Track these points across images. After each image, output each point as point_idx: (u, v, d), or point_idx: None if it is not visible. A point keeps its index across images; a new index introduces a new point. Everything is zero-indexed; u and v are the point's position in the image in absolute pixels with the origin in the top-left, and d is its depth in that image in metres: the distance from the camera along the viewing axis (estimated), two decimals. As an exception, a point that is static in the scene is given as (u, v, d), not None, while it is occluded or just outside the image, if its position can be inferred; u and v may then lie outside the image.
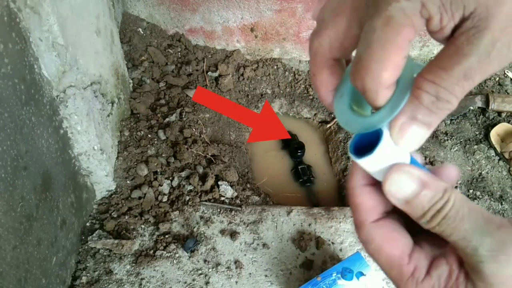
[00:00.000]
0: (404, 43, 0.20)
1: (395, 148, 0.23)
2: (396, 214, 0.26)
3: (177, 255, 0.89)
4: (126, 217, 0.94)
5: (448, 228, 0.22)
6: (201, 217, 0.97)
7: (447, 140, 1.26)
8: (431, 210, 0.22)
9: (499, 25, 0.19)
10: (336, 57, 0.25)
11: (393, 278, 0.25)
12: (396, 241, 0.25)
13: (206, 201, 1.00)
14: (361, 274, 0.79)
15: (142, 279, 0.86)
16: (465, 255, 0.22)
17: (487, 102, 1.33)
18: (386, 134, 0.23)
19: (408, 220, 0.25)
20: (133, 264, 0.87)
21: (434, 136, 1.28)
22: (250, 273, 0.89)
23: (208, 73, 1.35)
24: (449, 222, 0.22)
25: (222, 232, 0.95)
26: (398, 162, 0.24)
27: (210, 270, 0.88)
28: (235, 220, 0.97)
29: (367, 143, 0.25)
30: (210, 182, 1.03)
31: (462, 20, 0.20)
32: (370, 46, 0.20)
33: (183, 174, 1.05)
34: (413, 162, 0.25)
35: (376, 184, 0.26)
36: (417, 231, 0.26)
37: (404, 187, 0.23)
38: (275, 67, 1.44)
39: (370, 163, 0.24)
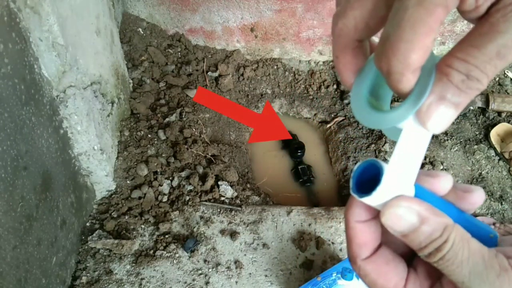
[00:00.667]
0: (436, 24, 0.19)
1: (399, 180, 0.23)
2: (392, 239, 0.26)
3: (177, 255, 0.89)
4: (126, 217, 0.94)
5: (446, 270, 0.22)
6: (201, 217, 0.97)
7: (447, 140, 1.26)
8: (429, 247, 0.22)
9: None
10: (361, 38, 0.24)
11: None
12: (389, 275, 0.25)
13: (206, 201, 1.00)
14: (361, 274, 0.79)
15: (142, 279, 0.86)
16: None
17: (487, 102, 1.33)
18: (387, 169, 0.22)
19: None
20: (133, 264, 0.87)
21: (434, 136, 1.28)
22: (250, 273, 0.89)
23: (208, 73, 1.35)
24: (447, 264, 0.21)
25: (222, 232, 0.95)
26: (401, 194, 0.23)
27: (210, 270, 0.88)
28: (235, 220, 0.97)
29: (369, 176, 0.24)
30: (210, 182, 1.03)
31: None
32: (400, 26, 0.20)
33: (183, 174, 1.05)
34: (418, 192, 0.24)
35: (373, 219, 0.25)
36: (416, 254, 0.26)
37: (401, 222, 0.22)
38: (275, 67, 1.44)
39: (372, 201, 0.23)
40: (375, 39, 0.24)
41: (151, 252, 0.90)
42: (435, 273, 0.25)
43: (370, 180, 0.24)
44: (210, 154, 1.11)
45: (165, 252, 0.89)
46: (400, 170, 0.23)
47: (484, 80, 0.20)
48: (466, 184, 0.25)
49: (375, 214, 0.25)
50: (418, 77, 0.21)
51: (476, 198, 0.25)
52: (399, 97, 0.23)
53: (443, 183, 0.25)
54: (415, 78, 0.21)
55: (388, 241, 0.27)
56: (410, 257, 0.26)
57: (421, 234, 0.22)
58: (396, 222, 0.22)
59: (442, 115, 0.21)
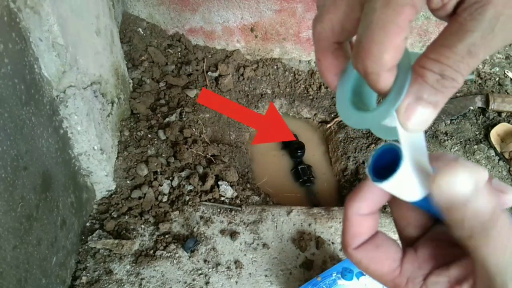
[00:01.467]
0: (404, 23, 0.20)
1: (417, 161, 0.22)
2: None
3: (177, 255, 0.89)
4: (126, 217, 0.94)
5: (482, 252, 0.21)
6: (201, 217, 0.97)
7: (447, 140, 1.26)
8: (470, 220, 0.20)
9: None
10: (339, 40, 0.24)
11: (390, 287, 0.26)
12: (380, 261, 0.25)
13: (206, 201, 1.00)
14: (361, 274, 0.79)
15: (142, 279, 0.86)
16: (490, 282, 0.21)
17: (487, 102, 1.33)
18: (405, 151, 0.22)
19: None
20: (133, 264, 0.87)
21: (434, 136, 1.28)
22: (250, 273, 0.89)
23: (208, 73, 1.35)
24: (491, 244, 0.20)
25: (222, 232, 0.95)
26: (421, 175, 0.22)
27: (210, 270, 0.88)
28: (235, 220, 0.97)
29: (385, 163, 0.24)
30: (210, 182, 1.03)
31: None
32: (370, 28, 0.20)
33: (183, 174, 1.05)
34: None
35: (371, 215, 0.26)
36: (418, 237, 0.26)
37: (461, 187, 0.20)
38: (275, 67, 1.44)
39: (392, 184, 0.23)
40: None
41: (151, 252, 0.90)
42: (441, 257, 0.24)
43: (385, 168, 0.23)
44: (210, 154, 1.11)
45: (165, 252, 0.89)
46: (414, 152, 0.23)
47: (459, 79, 0.20)
48: (503, 183, 0.25)
49: (375, 210, 0.26)
50: (395, 75, 0.22)
51: (509, 198, 0.24)
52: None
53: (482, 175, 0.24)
54: (392, 76, 0.21)
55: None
56: (413, 239, 0.26)
57: (475, 206, 0.20)
58: (453, 188, 0.20)
59: (421, 115, 0.22)
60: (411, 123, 0.22)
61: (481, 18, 0.19)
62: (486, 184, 0.21)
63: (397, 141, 0.23)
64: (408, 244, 0.27)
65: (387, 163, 0.24)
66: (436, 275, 0.24)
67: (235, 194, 1.04)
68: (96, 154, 0.89)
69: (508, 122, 1.30)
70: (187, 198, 1.00)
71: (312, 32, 0.25)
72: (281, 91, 1.42)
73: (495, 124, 1.28)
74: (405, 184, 0.23)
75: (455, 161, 0.22)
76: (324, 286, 0.78)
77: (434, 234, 0.26)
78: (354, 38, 0.23)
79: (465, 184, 0.20)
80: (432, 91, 0.21)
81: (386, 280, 0.25)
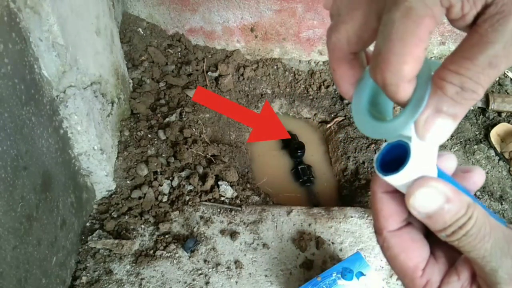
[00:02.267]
0: (424, 34, 0.19)
1: (424, 161, 0.23)
2: (417, 221, 0.26)
3: (177, 255, 0.89)
4: (126, 217, 0.94)
5: (468, 246, 0.22)
6: (201, 217, 0.97)
7: (447, 140, 1.26)
8: (453, 226, 0.22)
9: None
10: (355, 51, 0.24)
11: (405, 285, 0.25)
12: (412, 253, 0.25)
13: (206, 201, 1.00)
14: (361, 274, 0.79)
15: (142, 279, 0.86)
16: (483, 273, 0.22)
17: (487, 102, 1.33)
18: (413, 147, 0.22)
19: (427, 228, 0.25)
20: (133, 264, 0.87)
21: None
22: (250, 273, 0.89)
23: (208, 73, 1.35)
24: (470, 240, 0.22)
25: (222, 232, 0.95)
26: (425, 175, 0.23)
27: (210, 270, 0.88)
28: (235, 220, 0.97)
29: (393, 156, 0.24)
30: (210, 182, 1.03)
31: (485, 6, 0.19)
32: (390, 39, 0.20)
33: (183, 174, 1.05)
34: (440, 173, 0.24)
35: (394, 192, 0.25)
36: (434, 240, 0.25)
37: (428, 203, 0.22)
38: (275, 67, 1.44)
39: (396, 180, 0.23)
40: (371, 48, 0.24)
41: (151, 252, 0.90)
42: (450, 259, 0.25)
43: (392, 161, 0.24)
44: (210, 154, 1.11)
45: (165, 252, 0.89)
46: (424, 151, 0.23)
47: (479, 91, 0.20)
48: (465, 165, 0.26)
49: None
50: (415, 86, 0.22)
51: (477, 176, 0.26)
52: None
53: (448, 162, 0.25)
54: (411, 87, 0.21)
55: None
56: (430, 242, 0.26)
57: (446, 213, 0.22)
58: (424, 203, 0.22)
59: (440, 128, 0.22)
60: (429, 135, 0.22)
61: (502, 30, 0.19)
62: (452, 188, 0.22)
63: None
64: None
65: (395, 158, 0.24)
66: (448, 283, 0.24)
67: (235, 194, 1.04)
68: (96, 154, 0.89)
69: (508, 122, 1.30)
70: (187, 198, 1.00)
71: (326, 42, 0.25)
72: (281, 91, 1.42)
73: (495, 124, 1.28)
74: (409, 178, 0.23)
75: (425, 180, 0.23)
76: (324, 286, 0.78)
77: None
78: (371, 46, 0.23)
79: (434, 200, 0.22)
80: (451, 103, 0.21)
81: (406, 275, 0.25)
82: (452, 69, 0.20)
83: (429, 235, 0.26)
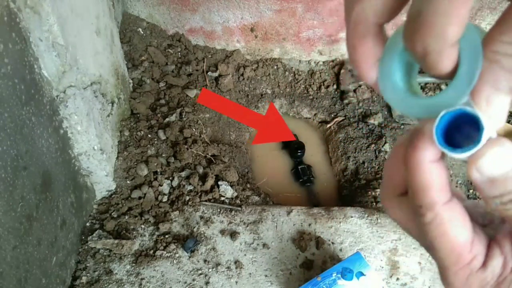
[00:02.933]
0: None
1: (490, 130, 0.21)
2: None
3: (177, 255, 0.89)
4: (126, 217, 0.94)
5: None
6: (201, 217, 0.97)
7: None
8: (511, 194, 0.20)
9: None
10: (382, 21, 0.22)
11: (446, 263, 0.23)
12: (463, 227, 0.22)
13: (206, 201, 1.00)
14: (361, 274, 0.79)
15: (142, 279, 0.86)
16: None
17: (487, 102, 1.33)
18: (480, 113, 0.20)
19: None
20: (133, 264, 0.87)
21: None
22: (250, 273, 0.89)
23: (208, 73, 1.35)
24: None
25: (222, 232, 0.95)
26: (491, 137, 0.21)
27: (210, 270, 0.88)
28: (235, 220, 0.97)
29: (445, 127, 0.22)
30: (210, 182, 1.03)
31: None
32: None
33: (183, 174, 1.05)
34: None
35: (443, 159, 0.23)
36: (471, 215, 0.24)
37: (498, 164, 0.20)
38: (275, 67, 1.44)
39: (471, 153, 0.21)
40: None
41: (151, 252, 0.90)
42: (489, 232, 0.23)
43: (447, 131, 0.21)
44: (210, 154, 1.11)
45: (165, 252, 0.89)
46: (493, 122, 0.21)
47: None
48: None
49: (440, 157, 0.23)
50: (458, 52, 0.20)
51: None
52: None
53: None
54: (456, 54, 0.19)
55: None
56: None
57: (511, 180, 0.20)
58: (493, 164, 0.20)
59: (501, 105, 0.20)
60: (495, 117, 0.20)
61: None
62: None
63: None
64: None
65: (448, 126, 0.22)
66: (491, 257, 0.22)
67: (235, 194, 1.04)
68: (96, 154, 0.89)
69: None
70: (187, 198, 1.00)
71: (346, 15, 0.22)
72: (281, 91, 1.42)
73: (495, 124, 1.28)
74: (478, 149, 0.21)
75: (498, 140, 0.21)
76: (324, 286, 0.78)
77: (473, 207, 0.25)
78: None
79: (505, 162, 0.20)
80: (509, 76, 0.19)
81: (454, 251, 0.23)
82: (506, 41, 0.19)
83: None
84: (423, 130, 0.22)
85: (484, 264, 0.22)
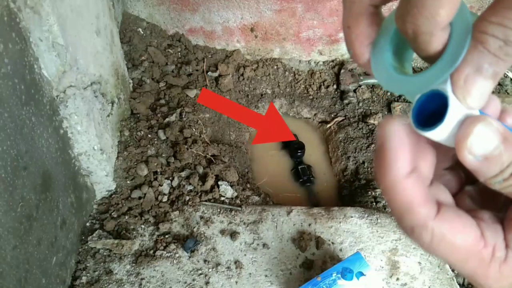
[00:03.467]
0: None
1: (464, 107, 0.20)
2: (443, 194, 0.23)
3: (177, 255, 0.90)
4: (126, 217, 0.94)
5: None
6: (201, 217, 0.97)
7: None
8: (510, 167, 0.19)
9: None
10: (377, 3, 0.22)
11: (470, 270, 0.21)
12: (465, 229, 0.21)
13: (206, 201, 1.00)
14: (361, 274, 0.79)
15: (142, 279, 0.86)
16: None
17: (487, 102, 1.33)
18: (450, 92, 0.20)
19: (474, 191, 0.22)
20: (133, 264, 0.87)
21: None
22: (250, 273, 0.89)
23: (208, 73, 1.35)
24: None
25: (222, 232, 0.95)
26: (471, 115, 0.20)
27: (210, 270, 0.88)
28: (235, 220, 0.97)
29: (427, 110, 0.22)
30: (210, 182, 1.03)
31: None
32: None
33: (183, 174, 1.05)
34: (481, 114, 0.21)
35: (415, 169, 0.22)
36: (479, 202, 0.23)
37: (486, 141, 0.19)
38: (275, 67, 1.44)
39: (441, 132, 0.21)
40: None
41: (151, 252, 0.90)
42: (497, 213, 0.22)
43: (429, 115, 0.21)
44: (210, 154, 1.11)
45: (165, 252, 0.89)
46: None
47: None
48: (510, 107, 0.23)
49: (413, 161, 0.21)
50: (448, 34, 0.19)
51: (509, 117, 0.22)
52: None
53: (494, 106, 0.22)
54: (446, 36, 0.19)
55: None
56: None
57: (504, 152, 0.19)
58: (482, 142, 0.19)
59: (481, 87, 0.19)
60: (471, 98, 0.20)
61: None
62: (504, 128, 0.20)
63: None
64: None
65: (430, 109, 0.21)
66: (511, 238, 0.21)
67: (235, 194, 1.04)
68: (96, 154, 0.89)
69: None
70: (187, 198, 1.00)
71: None
72: (281, 91, 1.42)
73: (495, 124, 1.28)
74: (453, 127, 0.21)
75: (479, 117, 0.20)
76: (324, 286, 0.78)
77: (473, 191, 0.24)
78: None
79: (492, 138, 0.19)
80: (493, 60, 0.19)
81: (470, 255, 0.21)
82: (495, 21, 0.18)
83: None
84: (384, 146, 0.21)
85: (508, 246, 0.21)
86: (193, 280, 0.87)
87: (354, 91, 1.39)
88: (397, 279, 0.88)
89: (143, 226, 0.94)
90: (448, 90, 0.20)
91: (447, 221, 0.21)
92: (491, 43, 0.18)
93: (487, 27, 0.18)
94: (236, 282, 0.87)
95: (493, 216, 0.22)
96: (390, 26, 0.23)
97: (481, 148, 0.19)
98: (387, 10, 0.23)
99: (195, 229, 0.95)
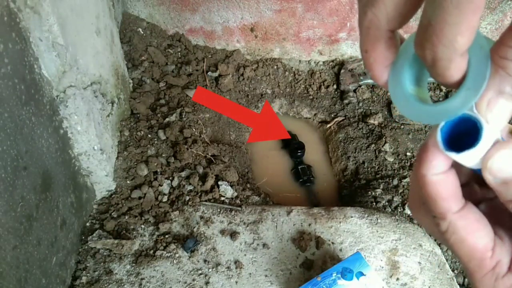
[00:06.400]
0: (481, 1, 0.18)
1: (492, 132, 0.21)
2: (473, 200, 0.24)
3: (177, 255, 0.90)
4: (126, 217, 0.94)
5: None
6: (201, 217, 0.97)
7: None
8: None
9: None
10: (393, 28, 0.22)
11: (470, 269, 0.24)
12: (480, 233, 0.23)
13: (206, 201, 1.00)
14: (361, 274, 0.79)
15: (142, 279, 0.86)
16: None
17: (487, 102, 1.33)
18: (484, 120, 0.21)
19: (488, 207, 0.24)
20: (133, 264, 0.87)
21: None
22: (250, 273, 0.89)
23: (208, 73, 1.35)
24: None
25: (222, 232, 0.95)
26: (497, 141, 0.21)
27: (210, 270, 0.88)
28: (235, 220, 0.97)
29: (452, 133, 0.22)
30: (210, 182, 1.03)
31: None
32: (443, 7, 0.18)
33: (183, 174, 1.05)
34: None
35: (451, 169, 0.23)
36: (493, 221, 0.24)
37: (507, 165, 0.21)
38: (275, 67, 1.44)
39: (470, 156, 0.21)
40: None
41: (151, 252, 0.90)
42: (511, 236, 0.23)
43: (455, 137, 0.22)
44: (210, 154, 1.11)
45: (165, 252, 0.89)
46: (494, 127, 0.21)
47: None
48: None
49: (450, 164, 0.23)
50: (467, 61, 0.20)
51: None
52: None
53: None
54: (465, 63, 0.20)
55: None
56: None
57: None
58: (502, 166, 0.21)
59: (503, 109, 0.20)
60: (493, 118, 0.20)
61: None
62: None
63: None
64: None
65: (457, 132, 0.22)
66: None
67: (235, 194, 1.04)
68: (96, 154, 0.89)
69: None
70: (187, 198, 1.00)
71: (359, 20, 0.23)
72: (281, 91, 1.42)
73: (495, 124, 1.28)
74: (481, 153, 0.21)
75: (504, 143, 0.21)
76: (324, 286, 0.78)
77: (493, 208, 0.25)
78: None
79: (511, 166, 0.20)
80: None
81: (474, 257, 0.23)
82: None
83: (490, 215, 0.24)
84: (427, 144, 0.23)
85: (510, 269, 0.22)
86: (193, 280, 0.87)
87: (354, 91, 1.39)
88: (397, 279, 0.88)
89: (143, 226, 0.94)
90: (477, 114, 0.21)
91: (465, 219, 0.23)
92: (511, 67, 0.19)
93: (507, 52, 0.19)
94: (236, 282, 0.87)
95: (509, 234, 0.24)
96: (409, 49, 0.23)
97: (500, 172, 0.21)
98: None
99: (195, 229, 0.95)
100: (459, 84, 0.21)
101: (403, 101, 0.23)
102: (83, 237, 0.90)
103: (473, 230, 0.23)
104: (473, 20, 0.18)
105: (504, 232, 0.24)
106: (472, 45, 0.19)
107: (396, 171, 1.15)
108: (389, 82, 0.24)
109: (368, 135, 1.26)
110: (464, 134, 0.22)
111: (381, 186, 1.10)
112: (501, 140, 0.21)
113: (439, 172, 0.23)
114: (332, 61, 1.47)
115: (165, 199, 1.00)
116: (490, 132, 0.21)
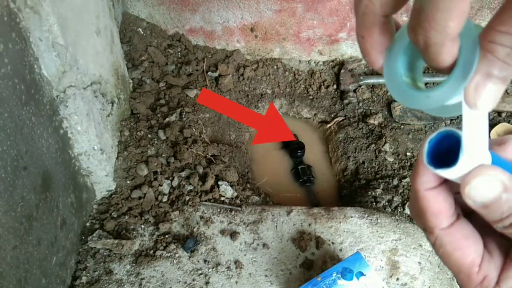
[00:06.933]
0: None
1: (478, 149, 0.21)
2: (466, 213, 0.25)
3: (177, 255, 0.90)
4: (126, 217, 0.94)
5: None
6: (201, 217, 0.97)
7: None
8: (511, 216, 0.21)
9: None
10: (388, 13, 0.23)
11: (460, 281, 0.24)
12: (467, 250, 0.23)
13: (206, 201, 1.00)
14: (361, 274, 0.79)
15: (142, 279, 0.86)
16: None
17: (487, 102, 1.33)
18: (465, 138, 0.21)
19: (479, 220, 0.24)
20: (133, 264, 0.87)
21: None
22: (250, 273, 0.89)
23: (208, 73, 1.35)
24: None
25: (222, 232, 0.95)
26: (481, 163, 0.21)
27: (210, 270, 0.88)
28: (235, 220, 0.97)
29: (439, 149, 0.23)
30: (210, 182, 1.03)
31: None
32: None
33: (183, 174, 1.05)
34: (495, 159, 0.22)
35: (444, 184, 0.24)
36: (486, 230, 0.24)
37: (485, 192, 0.21)
38: (275, 67, 1.44)
39: (453, 173, 0.22)
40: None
41: (151, 252, 0.90)
42: (504, 250, 0.24)
43: (442, 153, 0.22)
44: (210, 154, 1.11)
45: (165, 252, 0.89)
46: (476, 138, 0.21)
47: None
48: (501, 137, 0.24)
49: (441, 179, 0.24)
50: (458, 45, 0.20)
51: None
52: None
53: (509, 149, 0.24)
54: (456, 47, 0.20)
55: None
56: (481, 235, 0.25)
57: (504, 203, 0.21)
58: (480, 192, 0.21)
59: (491, 92, 0.20)
60: (481, 102, 0.21)
61: None
62: (510, 177, 0.21)
63: (455, 120, 0.21)
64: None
65: (444, 147, 0.22)
66: (506, 278, 0.23)
67: (235, 194, 1.04)
68: (96, 154, 0.89)
69: (508, 122, 1.30)
70: (187, 198, 1.00)
71: (355, 6, 0.23)
72: (281, 91, 1.42)
73: (495, 124, 1.28)
74: (464, 170, 0.22)
75: (482, 168, 0.21)
76: (324, 286, 0.78)
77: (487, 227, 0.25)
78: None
79: (492, 189, 0.21)
80: (503, 66, 0.20)
81: (462, 271, 0.24)
82: (502, 30, 0.19)
83: (479, 224, 0.25)
84: (419, 157, 0.24)
85: (498, 284, 0.23)
86: (193, 280, 0.87)
87: (354, 91, 1.39)
88: (397, 279, 0.88)
89: (143, 226, 0.94)
90: (462, 110, 0.21)
91: (452, 236, 0.24)
92: (500, 51, 0.19)
93: (495, 36, 0.19)
94: (236, 282, 0.87)
95: (500, 246, 0.24)
96: (405, 36, 0.23)
97: (479, 197, 0.21)
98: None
99: (195, 229, 0.95)
100: (451, 69, 0.21)
101: (396, 86, 0.24)
102: (83, 237, 0.90)
103: (460, 247, 0.24)
104: (463, 5, 0.18)
105: (495, 245, 0.24)
106: (462, 31, 0.20)
107: (396, 171, 1.15)
108: (384, 68, 0.24)
109: (368, 135, 1.26)
110: (455, 146, 0.22)
111: (381, 186, 1.10)
112: (482, 164, 0.21)
113: (430, 188, 0.24)
114: (332, 61, 1.47)
115: (165, 199, 1.00)
116: (472, 151, 0.21)
